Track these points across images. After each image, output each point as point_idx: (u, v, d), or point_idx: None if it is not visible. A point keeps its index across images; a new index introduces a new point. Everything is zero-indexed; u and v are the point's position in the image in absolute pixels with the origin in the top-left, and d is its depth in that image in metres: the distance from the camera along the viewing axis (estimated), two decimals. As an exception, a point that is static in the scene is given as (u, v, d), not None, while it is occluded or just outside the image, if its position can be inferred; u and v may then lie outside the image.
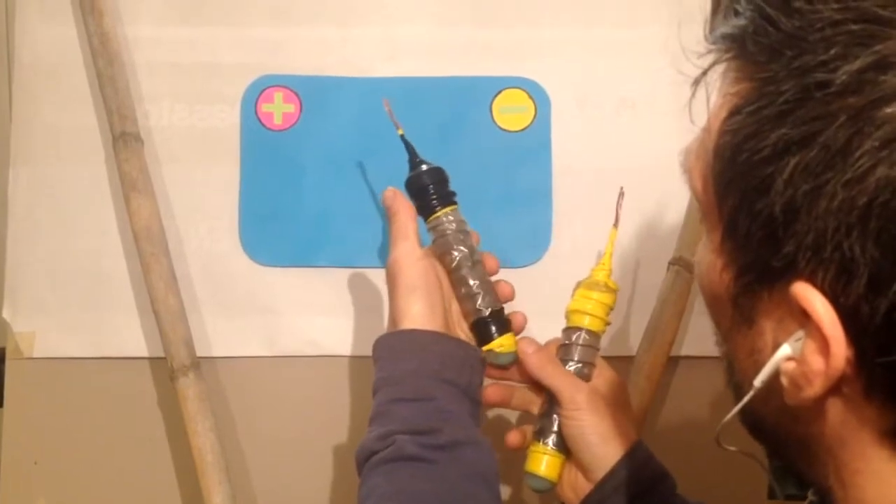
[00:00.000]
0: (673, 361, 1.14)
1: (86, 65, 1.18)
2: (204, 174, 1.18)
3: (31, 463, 1.17)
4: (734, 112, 0.53)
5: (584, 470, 0.89)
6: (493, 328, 0.93)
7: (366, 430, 0.84)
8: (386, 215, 0.96)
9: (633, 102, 1.18)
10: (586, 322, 0.93)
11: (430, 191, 0.94)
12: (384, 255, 1.16)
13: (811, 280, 0.49)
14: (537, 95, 1.17)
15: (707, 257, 0.59)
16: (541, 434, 0.93)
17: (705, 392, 1.17)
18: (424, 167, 0.95)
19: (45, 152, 1.18)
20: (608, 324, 0.95)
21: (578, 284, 0.96)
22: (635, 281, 1.16)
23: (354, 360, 1.17)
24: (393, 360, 0.87)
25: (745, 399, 0.58)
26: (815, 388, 0.51)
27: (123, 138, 1.14)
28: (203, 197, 1.18)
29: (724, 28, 0.55)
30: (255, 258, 1.17)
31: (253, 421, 1.18)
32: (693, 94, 0.61)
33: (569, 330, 0.95)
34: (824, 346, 0.49)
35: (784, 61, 0.49)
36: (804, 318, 0.50)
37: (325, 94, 1.18)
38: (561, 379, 0.90)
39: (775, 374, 0.54)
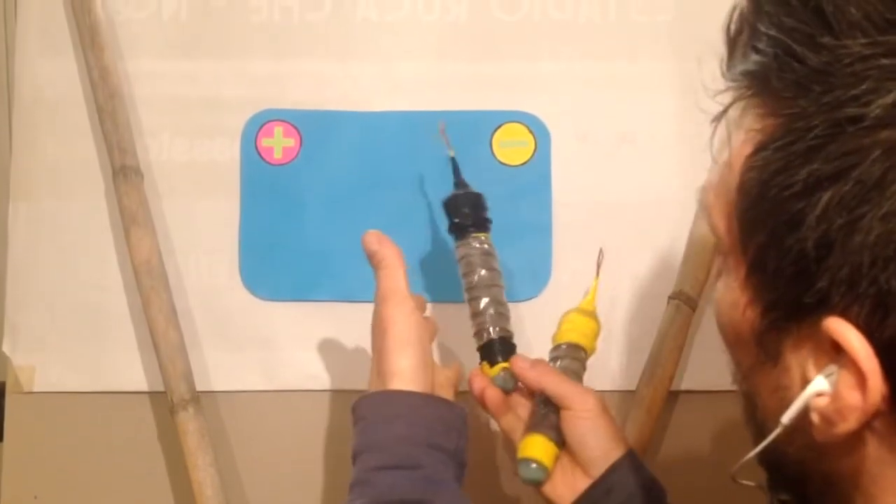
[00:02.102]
0: (673, 396, 1.13)
1: (86, 99, 1.18)
2: (204, 208, 1.17)
3: (32, 497, 1.16)
4: (760, 148, 0.52)
5: (585, 465, 0.89)
6: (499, 352, 0.95)
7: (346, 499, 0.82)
8: (369, 261, 0.93)
9: (633, 137, 1.17)
10: (574, 338, 0.96)
11: (466, 212, 0.97)
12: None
13: (845, 315, 0.48)
14: (537, 129, 1.16)
15: (728, 295, 0.58)
16: (535, 427, 0.91)
17: (706, 426, 1.16)
18: (467, 189, 0.99)
19: (44, 186, 1.17)
20: (594, 349, 0.97)
21: (565, 314, 0.99)
22: (635, 315, 1.15)
23: (355, 394, 1.13)
24: (378, 424, 0.84)
25: (772, 436, 0.57)
26: (849, 424, 0.50)
27: (123, 172, 1.13)
28: (203, 231, 1.17)
29: (745, 65, 0.55)
30: (255, 292, 1.16)
31: (253, 455, 1.17)
32: (714, 132, 0.61)
33: (556, 348, 0.97)
34: (861, 381, 0.48)
35: (813, 97, 0.48)
36: (836, 353, 0.50)
37: (326, 129, 1.17)
38: (567, 385, 0.90)
39: (804, 411, 0.53)
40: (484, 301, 0.95)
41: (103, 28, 1.15)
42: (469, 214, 0.97)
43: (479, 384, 0.95)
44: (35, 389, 1.16)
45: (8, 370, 1.17)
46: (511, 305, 1.04)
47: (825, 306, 0.49)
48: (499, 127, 1.17)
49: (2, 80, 1.37)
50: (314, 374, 1.16)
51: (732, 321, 0.58)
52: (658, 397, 1.10)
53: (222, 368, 1.16)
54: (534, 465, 0.89)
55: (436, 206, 1.11)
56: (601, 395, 0.91)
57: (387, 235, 0.93)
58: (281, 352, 1.16)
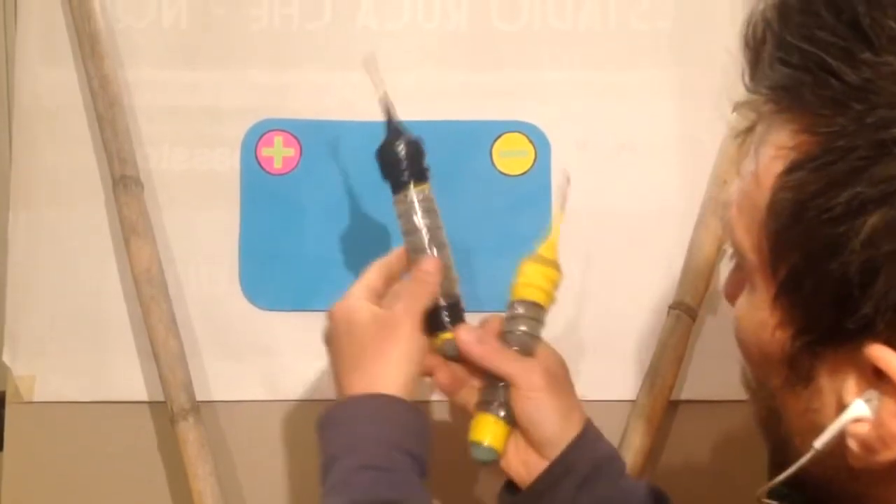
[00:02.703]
0: (673, 405, 1.13)
1: (86, 108, 1.18)
2: (204, 218, 1.17)
3: (31, 506, 1.16)
4: (794, 167, 0.50)
5: (538, 446, 0.85)
6: (447, 318, 0.90)
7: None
8: (412, 272, 0.91)
9: (633, 145, 1.17)
10: (530, 294, 0.89)
11: (402, 164, 0.90)
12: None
13: (890, 342, 0.47)
14: (537, 139, 1.16)
15: (755, 315, 0.57)
16: (485, 405, 0.88)
17: (705, 435, 1.16)
18: (402, 137, 0.91)
19: (44, 195, 1.17)
20: (553, 300, 0.91)
21: (524, 261, 0.92)
22: (635, 325, 1.15)
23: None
24: (355, 426, 0.82)
25: (804, 460, 0.55)
26: (893, 452, 0.49)
27: (123, 182, 1.13)
28: (203, 240, 1.17)
29: (772, 78, 0.53)
30: (255, 302, 1.16)
31: (253, 465, 1.17)
32: (742, 143, 0.59)
33: (513, 303, 0.90)
34: None
35: (853, 115, 0.47)
36: (878, 379, 0.48)
37: (325, 138, 1.17)
38: (512, 365, 0.86)
39: (838, 436, 0.52)
40: None
41: (103, 37, 1.15)
42: (405, 164, 0.90)
43: (428, 363, 0.90)
44: (35, 399, 1.16)
45: (8, 379, 1.17)
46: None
47: (868, 332, 0.48)
48: (499, 137, 1.17)
49: (2, 89, 1.37)
50: (314, 384, 1.16)
51: (760, 341, 0.57)
52: (658, 407, 1.10)
53: (222, 378, 1.16)
54: (485, 446, 0.86)
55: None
56: (552, 366, 0.89)
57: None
58: (281, 361, 1.16)
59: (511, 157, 1.17)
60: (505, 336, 0.90)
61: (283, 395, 1.16)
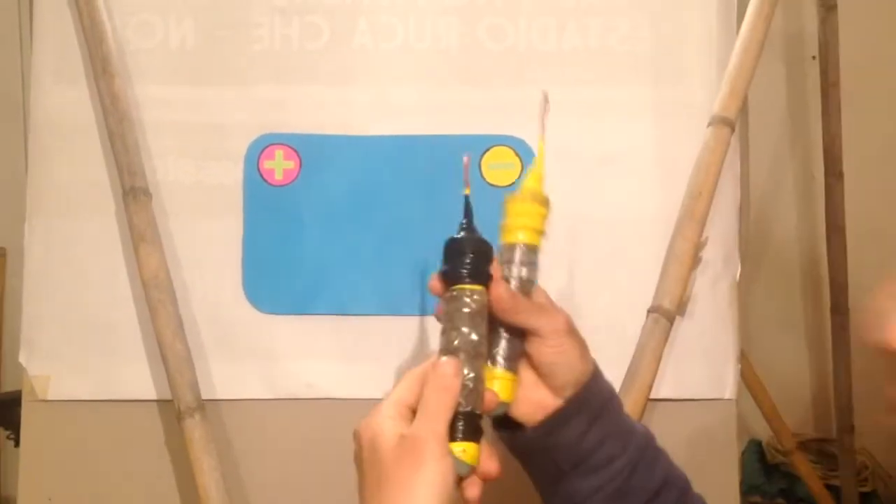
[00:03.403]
0: (651, 404, 1.15)
1: (98, 124, 1.21)
2: (209, 226, 1.21)
3: (46, 499, 1.20)
4: None
5: (557, 389, 0.81)
6: (461, 428, 0.75)
7: None
8: (429, 376, 0.77)
9: (612, 158, 1.21)
10: (525, 237, 0.83)
11: (466, 260, 0.78)
12: (379, 303, 1.18)
13: None
14: (523, 152, 1.19)
15: None
16: (490, 360, 0.81)
17: (682, 433, 1.19)
18: (472, 235, 0.81)
19: (59, 206, 1.21)
20: (543, 234, 0.84)
21: (509, 198, 0.84)
22: (615, 327, 1.18)
23: (350, 402, 1.18)
24: None
25: None
26: None
27: (133, 192, 1.16)
28: (208, 248, 1.21)
29: None
30: (257, 306, 1.20)
31: (254, 459, 1.20)
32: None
33: (506, 248, 0.83)
34: None
35: None
36: None
37: (324, 152, 1.21)
38: (538, 315, 0.80)
39: None
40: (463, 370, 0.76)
41: (114, 57, 1.19)
42: (465, 262, 0.78)
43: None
44: (49, 398, 1.20)
45: (24, 380, 1.20)
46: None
47: None
48: (487, 150, 1.20)
49: (18, 106, 1.39)
50: (313, 384, 1.20)
51: None
52: (638, 405, 1.13)
53: (226, 378, 1.20)
54: (500, 403, 0.80)
55: (428, 224, 1.16)
56: (562, 309, 0.83)
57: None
58: (282, 362, 1.20)
59: (499, 169, 1.19)
60: None
61: (283, 395, 1.20)
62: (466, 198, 0.83)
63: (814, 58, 1.87)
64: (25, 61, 1.31)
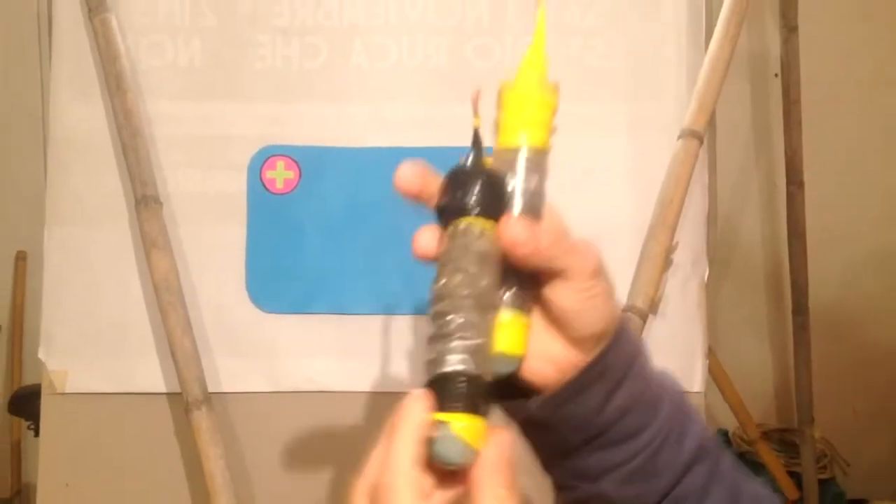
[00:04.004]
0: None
1: (111, 137, 1.21)
2: (215, 232, 1.21)
3: (64, 485, 1.20)
4: None
5: (576, 341, 0.58)
6: (462, 393, 0.51)
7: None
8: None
9: (590, 169, 1.21)
10: (531, 137, 0.60)
11: (475, 189, 0.56)
12: (374, 303, 1.18)
13: None
14: (508, 163, 1.19)
15: None
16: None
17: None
18: (481, 166, 0.59)
19: (75, 214, 1.21)
20: (553, 133, 0.62)
21: (505, 88, 0.62)
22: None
23: (346, 395, 1.19)
24: None
25: None
26: None
27: (145, 201, 1.16)
28: (214, 252, 1.21)
29: None
30: (259, 306, 1.20)
31: (257, 448, 1.20)
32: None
33: (504, 153, 0.60)
34: None
35: None
36: None
37: (322, 162, 1.21)
38: (565, 253, 0.57)
39: None
40: (460, 319, 0.53)
41: (127, 75, 1.19)
42: (474, 191, 0.56)
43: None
44: (67, 391, 1.20)
45: (43, 374, 1.20)
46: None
47: None
48: (474, 161, 1.19)
49: (38, 121, 1.39)
50: (312, 378, 1.20)
51: None
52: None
53: (231, 373, 1.20)
54: (510, 356, 0.57)
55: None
56: (587, 240, 0.60)
57: None
58: (283, 358, 1.20)
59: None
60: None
61: (284, 388, 1.20)
62: (476, 130, 0.62)
63: (776, 76, 1.88)
64: (45, 79, 1.31)
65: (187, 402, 1.12)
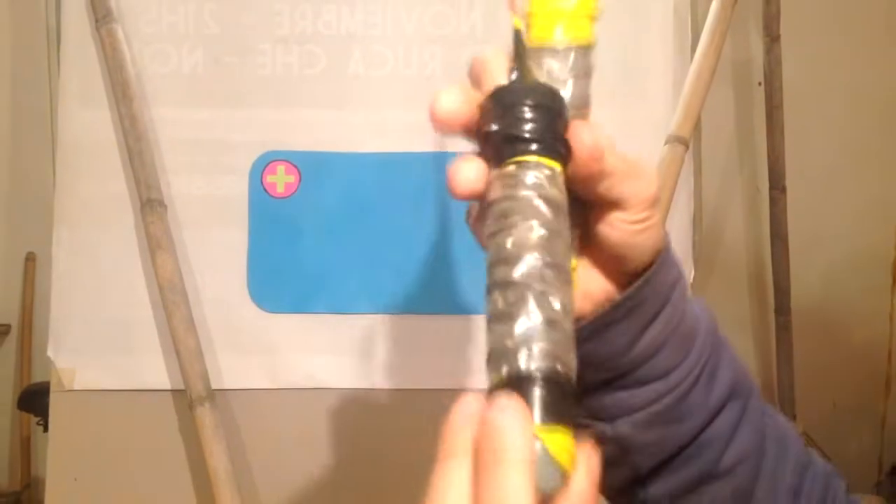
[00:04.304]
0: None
1: (118, 142, 1.21)
2: (218, 235, 1.21)
3: (72, 480, 1.20)
4: None
5: (621, 275, 0.50)
6: (547, 403, 0.36)
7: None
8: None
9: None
10: (573, 32, 0.46)
11: (533, 116, 0.42)
12: (371, 303, 1.18)
13: None
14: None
15: None
16: None
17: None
18: (535, 83, 0.44)
19: (82, 216, 1.21)
20: (596, 22, 0.48)
21: None
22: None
23: (345, 391, 1.19)
24: None
25: None
26: None
27: (150, 204, 1.16)
28: (217, 254, 1.21)
29: None
30: (261, 306, 1.20)
31: (259, 443, 1.20)
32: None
33: (544, 54, 0.47)
34: None
35: None
36: None
37: (321, 167, 1.21)
38: (623, 178, 0.48)
39: None
40: (528, 293, 0.38)
41: (133, 82, 1.18)
42: (533, 118, 0.42)
43: None
44: (75, 388, 1.19)
45: (52, 372, 1.20)
46: (472, 318, 1.06)
47: None
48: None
49: (47, 126, 1.39)
50: (311, 375, 1.20)
51: None
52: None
53: (233, 370, 1.20)
54: None
55: (415, 231, 1.16)
56: (638, 159, 0.50)
57: None
58: (283, 356, 1.20)
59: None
60: None
61: (285, 385, 1.20)
62: (516, 32, 0.47)
63: (760, 83, 1.88)
64: (54, 87, 1.31)
65: (191, 398, 1.12)
